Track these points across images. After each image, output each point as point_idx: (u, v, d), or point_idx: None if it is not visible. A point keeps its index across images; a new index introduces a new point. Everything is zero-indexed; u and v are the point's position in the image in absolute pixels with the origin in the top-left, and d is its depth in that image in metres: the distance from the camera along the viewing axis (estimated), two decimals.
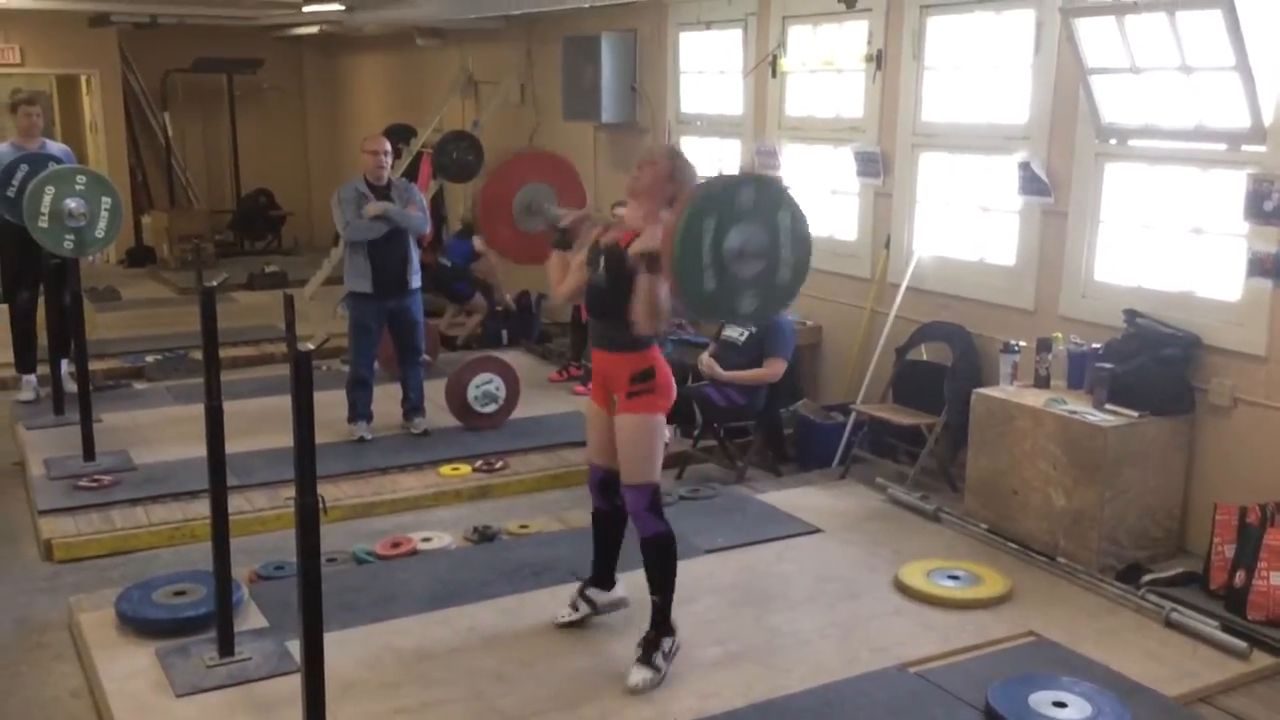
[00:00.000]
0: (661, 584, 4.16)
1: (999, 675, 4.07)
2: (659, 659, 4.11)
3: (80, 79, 13.72)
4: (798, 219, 3.80)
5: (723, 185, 3.78)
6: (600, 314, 4.15)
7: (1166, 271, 5.43)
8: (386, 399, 7.06)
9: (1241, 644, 4.32)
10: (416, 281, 6.88)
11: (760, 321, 4.11)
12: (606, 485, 4.36)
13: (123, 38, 13.33)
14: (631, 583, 4.46)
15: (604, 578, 4.52)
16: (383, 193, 6.69)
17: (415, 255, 6.87)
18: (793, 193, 3.90)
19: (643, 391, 4.09)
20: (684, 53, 8.57)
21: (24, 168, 6.97)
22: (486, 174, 6.06)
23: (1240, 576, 4.57)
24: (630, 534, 4.31)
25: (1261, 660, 4.29)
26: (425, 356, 8.11)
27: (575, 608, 4.49)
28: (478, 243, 9.48)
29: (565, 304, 4.44)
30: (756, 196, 3.73)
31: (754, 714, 3.92)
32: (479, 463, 6.54)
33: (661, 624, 4.16)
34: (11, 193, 6.95)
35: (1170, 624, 4.53)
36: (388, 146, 6.78)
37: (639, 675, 4.07)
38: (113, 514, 5.71)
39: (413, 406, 7.05)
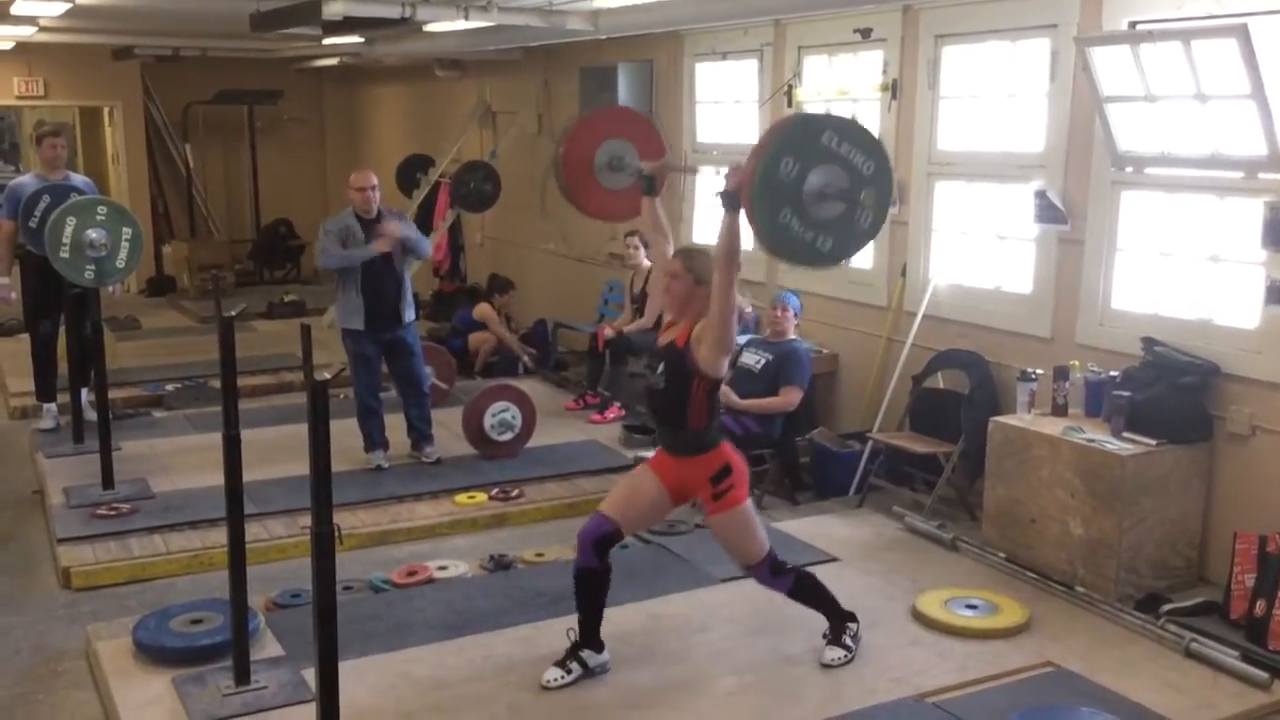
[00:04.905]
0: (824, 607, 4.43)
1: (1017, 706, 4.04)
2: (847, 639, 4.40)
3: (103, 111, 13.88)
4: (877, 159, 3.95)
5: (803, 125, 3.91)
6: (665, 419, 4.17)
7: (1184, 299, 5.42)
8: (402, 428, 7.06)
9: (1262, 674, 4.27)
10: (411, 314, 6.85)
11: (841, 258, 4.17)
12: (607, 542, 4.23)
13: (145, 70, 13.50)
14: (646, 610, 4.45)
15: (595, 639, 4.36)
16: (373, 224, 6.64)
17: (409, 287, 6.85)
18: (868, 130, 4.04)
19: (726, 490, 4.17)
20: (700, 83, 8.62)
21: (46, 199, 7.05)
22: (562, 139, 6.08)
23: (1260, 606, 4.53)
24: None
25: None
26: (442, 384, 8.14)
27: (569, 670, 4.29)
28: (477, 312, 9.57)
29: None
30: (839, 137, 3.88)
31: None
32: (495, 491, 6.54)
33: (841, 618, 4.44)
34: (34, 223, 7.03)
35: (1190, 654, 4.48)
36: (374, 180, 6.71)
37: (833, 653, 4.36)
38: (131, 542, 5.73)
39: (420, 436, 7.03)
